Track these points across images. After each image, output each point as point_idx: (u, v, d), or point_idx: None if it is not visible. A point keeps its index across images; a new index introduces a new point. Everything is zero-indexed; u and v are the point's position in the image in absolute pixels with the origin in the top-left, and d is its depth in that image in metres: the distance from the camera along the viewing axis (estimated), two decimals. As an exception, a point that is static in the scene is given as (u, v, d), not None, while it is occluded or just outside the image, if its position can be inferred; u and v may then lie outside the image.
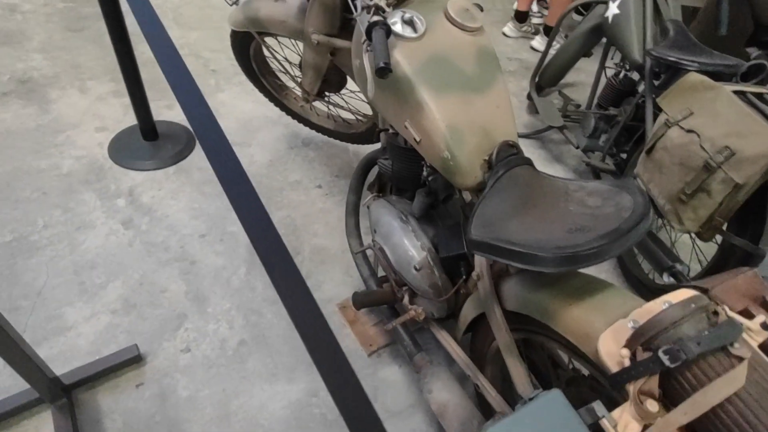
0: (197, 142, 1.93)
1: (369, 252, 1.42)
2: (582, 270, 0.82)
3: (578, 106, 2.24)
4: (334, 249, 1.64)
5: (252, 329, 1.39)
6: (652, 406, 0.57)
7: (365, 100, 1.02)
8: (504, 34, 3.04)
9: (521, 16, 2.95)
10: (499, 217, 0.82)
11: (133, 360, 1.26)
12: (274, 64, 1.74)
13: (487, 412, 1.14)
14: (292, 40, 1.47)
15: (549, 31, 2.78)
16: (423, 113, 0.94)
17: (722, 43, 1.79)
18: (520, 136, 2.27)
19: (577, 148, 1.97)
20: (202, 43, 2.52)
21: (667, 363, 0.55)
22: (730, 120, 1.14)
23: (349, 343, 1.39)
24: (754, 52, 1.85)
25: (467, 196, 1.16)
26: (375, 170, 1.42)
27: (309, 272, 1.56)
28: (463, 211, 1.14)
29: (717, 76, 1.34)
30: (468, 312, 1.07)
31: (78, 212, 1.63)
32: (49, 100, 2.02)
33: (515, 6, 3.01)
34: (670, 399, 0.59)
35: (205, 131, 0.54)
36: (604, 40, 1.91)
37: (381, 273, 1.38)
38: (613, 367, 0.63)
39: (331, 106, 1.70)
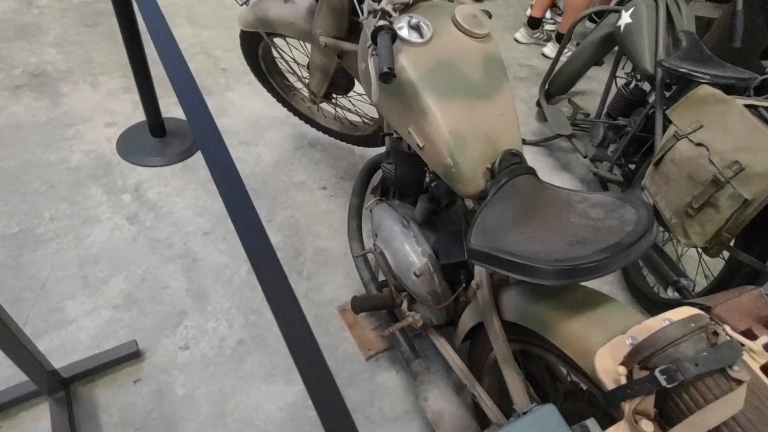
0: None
1: (370, 256, 1.42)
2: (583, 282, 0.81)
3: (587, 114, 2.22)
4: (336, 251, 1.64)
5: (251, 329, 1.39)
6: (647, 426, 0.56)
7: (372, 103, 1.02)
8: (516, 40, 3.02)
9: (534, 23, 2.93)
10: (499, 227, 0.81)
11: (132, 356, 1.26)
12: (282, 65, 1.74)
13: (483, 422, 1.13)
14: (301, 42, 1.48)
15: (561, 39, 2.76)
16: (427, 119, 0.93)
17: (736, 56, 1.77)
18: (529, 143, 2.26)
19: (585, 157, 1.95)
20: (214, 41, 2.54)
21: (663, 383, 0.54)
22: (741, 134, 1.12)
23: (347, 347, 1.39)
24: (769, 65, 1.83)
25: (469, 203, 1.15)
26: (379, 174, 1.42)
27: (310, 273, 1.56)
28: (465, 218, 1.13)
29: (729, 89, 1.32)
30: (467, 320, 1.06)
31: (84, 206, 1.64)
32: (61, 94, 2.05)
33: (528, 12, 3.00)
34: (666, 419, 0.58)
35: (204, 132, 0.54)
36: (616, 48, 1.89)
37: (382, 277, 1.37)
38: (609, 385, 0.62)
39: (338, 108, 1.70)
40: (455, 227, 1.17)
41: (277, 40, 1.60)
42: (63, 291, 1.40)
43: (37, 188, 1.67)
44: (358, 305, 1.21)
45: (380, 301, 1.23)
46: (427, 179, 1.14)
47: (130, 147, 1.86)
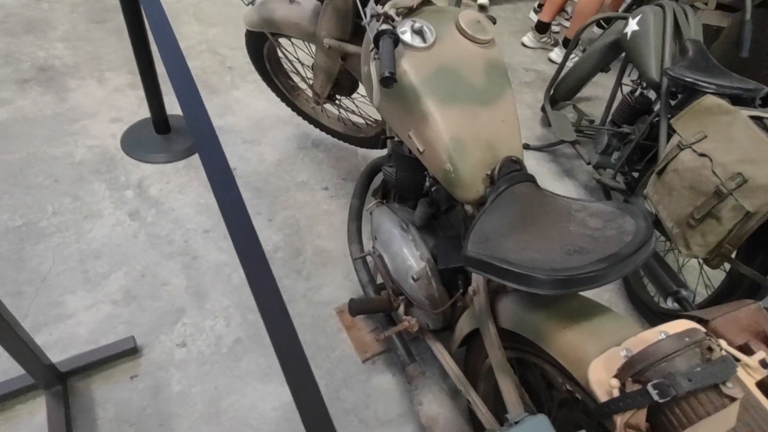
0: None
1: (369, 258, 1.42)
2: (581, 292, 0.81)
3: (592, 121, 2.21)
4: (336, 252, 1.64)
5: (249, 328, 1.39)
6: (639, 440, 0.55)
7: (373, 106, 1.02)
8: (523, 44, 3.01)
9: (543, 27, 2.92)
10: (496, 234, 0.81)
11: (129, 351, 1.27)
12: (287, 65, 1.75)
13: (477, 428, 1.12)
14: (305, 43, 1.48)
15: (568, 44, 2.75)
16: (427, 124, 0.93)
17: (744, 65, 1.75)
18: (532, 148, 2.25)
19: (589, 164, 1.94)
20: (221, 39, 2.55)
21: (655, 397, 0.54)
22: (745, 146, 1.11)
23: (344, 348, 1.39)
24: (777, 75, 1.81)
25: (469, 208, 1.14)
26: (380, 176, 1.42)
27: (309, 274, 1.56)
28: (464, 224, 1.13)
29: (736, 99, 1.31)
30: (463, 326, 1.06)
31: (87, 201, 1.65)
32: (68, 89, 2.06)
33: (531, 15, 2.99)
34: (657, 434, 0.57)
35: (201, 134, 0.54)
36: (622, 55, 1.88)
37: (380, 280, 1.37)
38: (602, 396, 0.62)
39: (341, 110, 1.70)
40: (454, 232, 1.16)
41: (282, 41, 1.60)
42: (63, 285, 1.41)
43: (41, 182, 1.68)
44: (355, 308, 1.21)
45: (377, 304, 1.23)
46: (427, 183, 1.14)
47: (134, 143, 1.87)
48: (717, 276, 1.48)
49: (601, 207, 0.83)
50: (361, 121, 1.79)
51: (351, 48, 1.23)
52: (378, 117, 1.74)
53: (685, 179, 1.22)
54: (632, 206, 0.80)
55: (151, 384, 1.25)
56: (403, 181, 1.18)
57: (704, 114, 1.25)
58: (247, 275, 0.50)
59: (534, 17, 3.31)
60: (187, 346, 1.33)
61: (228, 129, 2.04)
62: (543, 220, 0.83)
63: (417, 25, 0.95)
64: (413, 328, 1.15)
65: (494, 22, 1.06)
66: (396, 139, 1.17)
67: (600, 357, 0.66)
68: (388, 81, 0.82)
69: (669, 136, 1.43)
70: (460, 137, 0.92)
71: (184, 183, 1.77)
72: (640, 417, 0.56)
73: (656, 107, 1.68)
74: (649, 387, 0.54)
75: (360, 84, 1.47)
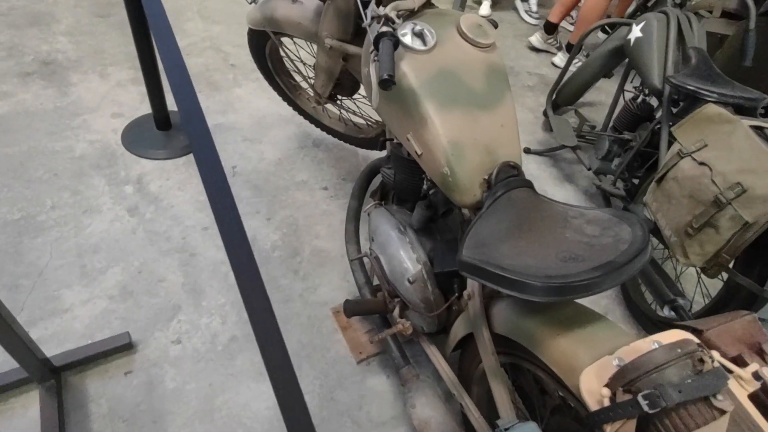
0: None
1: (366, 260, 1.42)
2: (576, 299, 0.81)
3: (593, 127, 2.20)
4: (334, 252, 1.64)
5: (244, 326, 1.39)
6: (628, 450, 0.55)
7: (373, 107, 1.02)
8: (530, 44, 3.01)
9: (551, 28, 2.92)
10: (491, 240, 0.80)
11: (124, 347, 1.27)
12: (288, 64, 1.75)
13: (470, 432, 1.12)
14: (307, 42, 1.48)
15: (572, 49, 2.74)
16: (426, 127, 0.93)
17: (748, 74, 1.75)
18: (533, 152, 2.25)
19: (589, 169, 1.94)
20: (224, 37, 2.55)
21: (645, 408, 0.53)
22: (745, 156, 1.11)
23: (339, 349, 1.39)
24: (781, 85, 1.80)
25: (466, 212, 1.14)
26: (379, 177, 1.42)
27: (306, 274, 1.56)
28: (461, 227, 1.13)
29: (738, 108, 1.30)
30: (458, 330, 1.06)
31: (86, 196, 1.65)
32: (70, 83, 2.06)
33: (523, 15, 2.99)
34: (647, 444, 0.57)
35: (196, 135, 0.55)
36: (626, 61, 1.87)
37: (377, 282, 1.37)
38: (593, 405, 0.62)
39: (342, 110, 1.70)
40: (452, 235, 1.16)
41: (285, 40, 1.60)
42: (60, 279, 1.41)
43: (41, 176, 1.68)
44: (350, 309, 1.21)
45: (373, 305, 1.23)
46: (425, 186, 1.14)
47: (134, 139, 1.87)
48: (715, 285, 1.47)
49: (598, 214, 0.83)
50: (362, 121, 1.78)
51: (352, 49, 1.23)
52: (378, 118, 1.74)
53: (684, 188, 1.22)
54: (629, 214, 0.80)
55: (145, 380, 1.25)
56: (402, 183, 1.18)
57: (705, 123, 1.25)
58: (236, 275, 0.50)
59: (526, 17, 3.34)
60: (182, 343, 1.33)
61: (229, 126, 2.04)
62: (539, 226, 0.83)
63: (418, 28, 0.95)
64: (407, 331, 1.15)
65: (496, 26, 1.06)
66: (395, 141, 1.16)
67: (592, 365, 0.65)
68: (387, 83, 0.82)
69: (670, 144, 1.43)
70: (459, 141, 0.92)
71: (183, 180, 1.77)
72: (629, 427, 0.56)
73: (658, 114, 1.68)
74: (639, 397, 0.54)
75: (361, 85, 1.47)
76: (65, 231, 1.54)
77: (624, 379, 0.58)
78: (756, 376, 0.65)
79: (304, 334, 1.41)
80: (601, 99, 2.73)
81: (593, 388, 0.63)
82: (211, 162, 0.52)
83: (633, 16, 2.02)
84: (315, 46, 1.47)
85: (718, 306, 1.32)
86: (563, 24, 3.13)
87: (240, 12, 2.77)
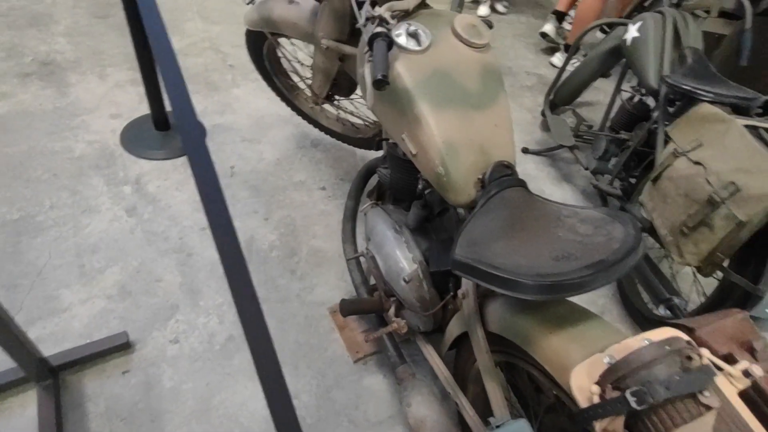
0: (206, 136, 1.96)
1: (363, 259, 1.42)
2: (570, 298, 0.81)
3: (591, 126, 2.21)
4: (331, 252, 1.65)
5: (241, 326, 1.40)
6: (616, 447, 0.56)
7: (368, 107, 1.02)
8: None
9: (560, 16, 2.93)
10: (484, 239, 0.81)
11: (122, 347, 1.28)
12: (286, 65, 1.75)
13: (466, 431, 1.13)
14: (305, 43, 1.48)
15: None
16: (420, 127, 0.93)
17: (745, 74, 1.75)
18: (531, 152, 2.25)
19: (587, 169, 1.94)
20: (224, 37, 2.56)
21: (633, 405, 0.54)
22: (739, 155, 1.12)
23: (336, 349, 1.39)
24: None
25: (461, 212, 1.15)
26: (375, 177, 1.42)
27: (304, 274, 1.57)
28: (457, 227, 1.13)
29: (734, 108, 1.31)
30: (453, 329, 1.06)
31: (85, 196, 1.66)
32: (69, 84, 2.07)
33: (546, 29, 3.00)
34: (636, 441, 0.58)
35: (189, 138, 0.55)
36: (623, 61, 1.88)
37: (373, 281, 1.37)
38: (583, 403, 0.62)
39: (340, 110, 1.71)
40: (447, 235, 1.17)
41: (282, 40, 1.61)
42: (59, 279, 1.41)
43: (40, 176, 1.69)
44: (346, 308, 1.21)
45: (369, 305, 1.24)
46: (421, 186, 1.14)
47: (133, 139, 1.88)
48: (711, 284, 1.48)
49: (592, 213, 0.83)
50: (359, 121, 1.79)
51: (348, 49, 1.23)
52: (376, 118, 1.74)
53: (679, 187, 1.22)
54: (622, 213, 0.80)
55: (142, 379, 1.25)
56: (397, 183, 1.18)
57: (700, 122, 1.25)
58: (228, 276, 0.51)
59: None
60: (180, 343, 1.34)
61: (228, 127, 2.04)
62: (532, 225, 0.83)
63: (412, 29, 0.96)
64: (402, 330, 1.16)
65: (491, 27, 1.07)
66: (391, 141, 1.17)
67: (583, 363, 0.66)
68: (381, 84, 0.83)
69: (666, 144, 1.43)
70: (453, 141, 0.92)
71: (181, 180, 1.77)
72: (618, 424, 0.56)
73: (654, 114, 1.68)
74: (628, 394, 0.55)
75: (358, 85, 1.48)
76: (64, 231, 1.54)
77: (613, 377, 0.59)
78: (746, 373, 0.66)
79: (302, 334, 1.41)
80: (599, 99, 2.74)
81: (584, 385, 0.63)
82: (204, 165, 0.52)
83: (630, 16, 2.03)
84: (312, 47, 1.48)
85: (713, 305, 1.32)
86: (564, 25, 3.13)
87: (239, 12, 2.77)
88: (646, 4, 1.96)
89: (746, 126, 1.17)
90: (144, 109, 1.99)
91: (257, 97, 2.22)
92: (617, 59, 1.93)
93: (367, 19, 0.93)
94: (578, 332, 0.76)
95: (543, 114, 2.33)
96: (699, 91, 1.36)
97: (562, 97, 2.16)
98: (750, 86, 1.42)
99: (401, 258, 1.13)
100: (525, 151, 2.25)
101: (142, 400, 1.22)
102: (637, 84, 1.79)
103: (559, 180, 2.16)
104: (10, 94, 1.96)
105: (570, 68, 2.22)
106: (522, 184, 0.91)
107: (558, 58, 2.90)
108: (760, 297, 1.13)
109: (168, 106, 1.90)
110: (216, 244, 0.52)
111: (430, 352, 1.20)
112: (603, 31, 3.08)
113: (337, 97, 1.56)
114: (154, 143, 1.87)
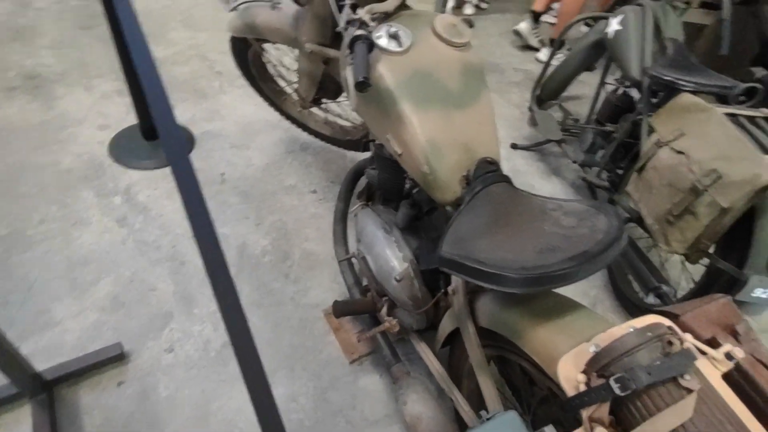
0: (195, 143, 1.96)
1: (355, 260, 1.43)
2: (559, 289, 0.82)
3: (577, 120, 2.23)
4: (324, 255, 1.65)
5: (227, 333, 1.40)
6: (602, 433, 0.57)
7: (352, 109, 1.03)
8: (517, 30, 3.00)
9: (536, 16, 2.95)
10: (470, 235, 0.82)
11: (116, 358, 1.27)
12: (272, 70, 1.76)
13: (462, 427, 1.13)
14: (289, 48, 1.49)
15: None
16: (404, 127, 0.94)
17: (726, 63, 1.77)
18: (519, 147, 2.27)
19: (575, 162, 1.96)
20: (211, 45, 2.56)
21: (617, 391, 0.55)
22: (720, 143, 1.13)
23: (331, 350, 1.40)
24: (759, 72, 1.83)
25: (449, 210, 1.16)
26: (365, 179, 1.43)
27: (297, 277, 1.57)
28: (445, 225, 1.14)
29: (717, 97, 1.33)
30: (446, 326, 1.07)
31: (75, 208, 1.66)
32: (55, 97, 2.07)
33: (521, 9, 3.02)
34: (622, 426, 0.59)
35: (171, 148, 0.57)
36: (607, 53, 1.90)
37: (366, 282, 1.38)
38: (570, 391, 0.63)
39: (328, 113, 1.71)
40: (437, 233, 1.18)
41: (267, 46, 1.61)
42: (50, 293, 1.41)
43: (28, 190, 1.69)
44: (340, 309, 1.22)
45: (361, 305, 1.24)
46: (408, 185, 1.15)
47: (122, 150, 1.87)
48: (699, 271, 1.50)
49: (576, 206, 0.84)
50: (347, 124, 1.80)
51: (332, 52, 1.24)
52: (364, 120, 1.75)
53: (663, 176, 1.24)
54: (606, 204, 0.82)
55: (138, 390, 1.25)
56: (386, 183, 1.19)
57: (681, 112, 1.27)
58: (212, 283, 0.51)
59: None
60: (175, 351, 1.34)
61: (216, 134, 2.05)
62: (517, 219, 0.84)
63: (393, 30, 0.96)
64: (394, 329, 1.16)
65: (471, 26, 1.08)
66: (377, 141, 1.18)
67: (570, 353, 0.67)
68: (363, 86, 0.84)
69: (650, 134, 1.45)
70: (436, 140, 0.93)
71: (171, 189, 1.77)
72: (603, 410, 0.57)
73: (639, 106, 1.70)
74: (611, 381, 0.56)
75: (344, 87, 1.49)
76: (54, 244, 1.54)
77: (598, 365, 0.60)
78: (728, 356, 0.67)
79: (296, 337, 1.42)
80: (585, 92, 2.76)
81: (570, 374, 0.64)
82: (186, 175, 0.53)
83: (611, 9, 2.05)
84: (297, 52, 1.48)
85: (700, 291, 1.34)
86: (548, 19, 3.15)
87: (225, 19, 2.77)
88: (627, -4, 1.98)
89: (726, 114, 1.19)
90: (132, 119, 1.98)
91: (245, 103, 2.23)
92: (600, 53, 1.94)
93: (348, 22, 0.94)
94: (565, 323, 0.77)
95: (530, 109, 2.34)
96: (680, 82, 1.38)
97: (548, 91, 2.18)
98: (731, 74, 1.44)
99: (392, 257, 1.14)
100: (514, 146, 2.27)
101: (138, 410, 1.22)
102: (621, 76, 1.81)
103: (548, 174, 2.18)
104: (-5, 109, 1.96)
105: (555, 63, 2.23)
106: (506, 179, 0.92)
107: (544, 54, 2.92)
108: (745, 282, 1.15)
109: (155, 116, 1.90)
110: (200, 252, 0.53)
111: (424, 350, 1.21)
112: (588, 25, 3.11)
113: (324, 100, 1.57)
114: (142, 153, 1.87)
